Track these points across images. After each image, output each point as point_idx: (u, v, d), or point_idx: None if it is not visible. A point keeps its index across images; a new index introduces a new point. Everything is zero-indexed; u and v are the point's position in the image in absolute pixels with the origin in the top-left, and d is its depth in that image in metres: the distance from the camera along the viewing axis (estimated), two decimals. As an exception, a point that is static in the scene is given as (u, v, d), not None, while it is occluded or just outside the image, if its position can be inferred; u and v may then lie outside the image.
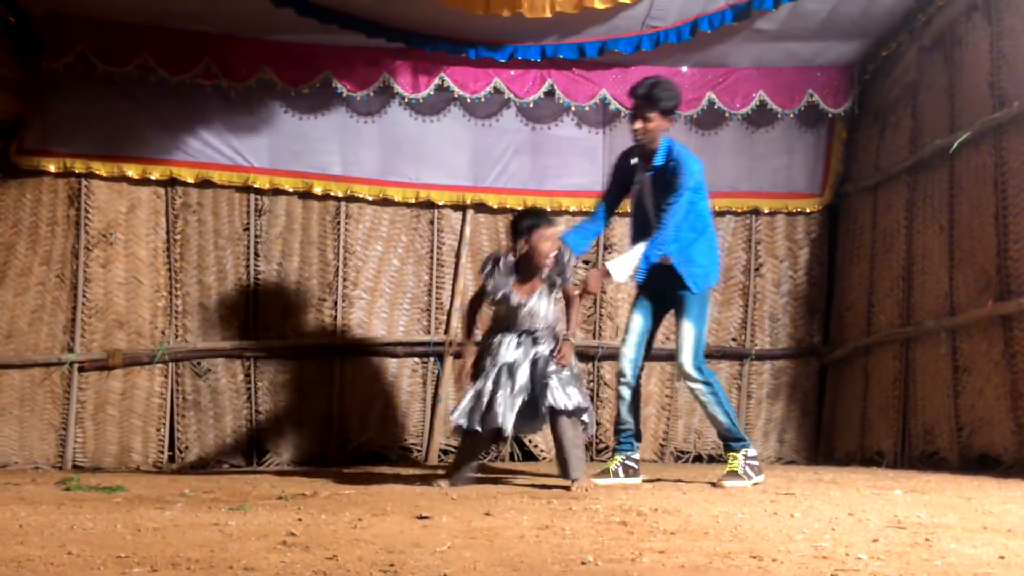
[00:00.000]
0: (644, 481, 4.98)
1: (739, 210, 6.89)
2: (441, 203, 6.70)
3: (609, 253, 6.88)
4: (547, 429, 4.75)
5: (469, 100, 6.56)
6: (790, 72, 6.66)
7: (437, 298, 6.74)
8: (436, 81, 6.47)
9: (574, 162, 6.82)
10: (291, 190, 6.59)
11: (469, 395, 4.58)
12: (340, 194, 6.62)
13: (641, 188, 4.95)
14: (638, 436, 5.08)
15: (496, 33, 6.11)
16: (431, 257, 6.74)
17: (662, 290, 4.93)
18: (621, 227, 6.89)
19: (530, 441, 6.75)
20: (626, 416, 5.00)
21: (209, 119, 6.47)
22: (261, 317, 6.60)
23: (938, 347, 5.73)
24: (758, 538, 2.80)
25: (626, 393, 4.99)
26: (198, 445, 6.50)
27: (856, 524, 3.10)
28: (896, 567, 2.34)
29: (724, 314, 6.94)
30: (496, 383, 4.52)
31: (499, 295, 4.63)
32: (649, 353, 5.14)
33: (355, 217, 6.69)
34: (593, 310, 6.88)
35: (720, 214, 6.80)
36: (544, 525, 3.08)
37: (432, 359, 6.71)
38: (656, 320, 5.08)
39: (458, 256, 6.74)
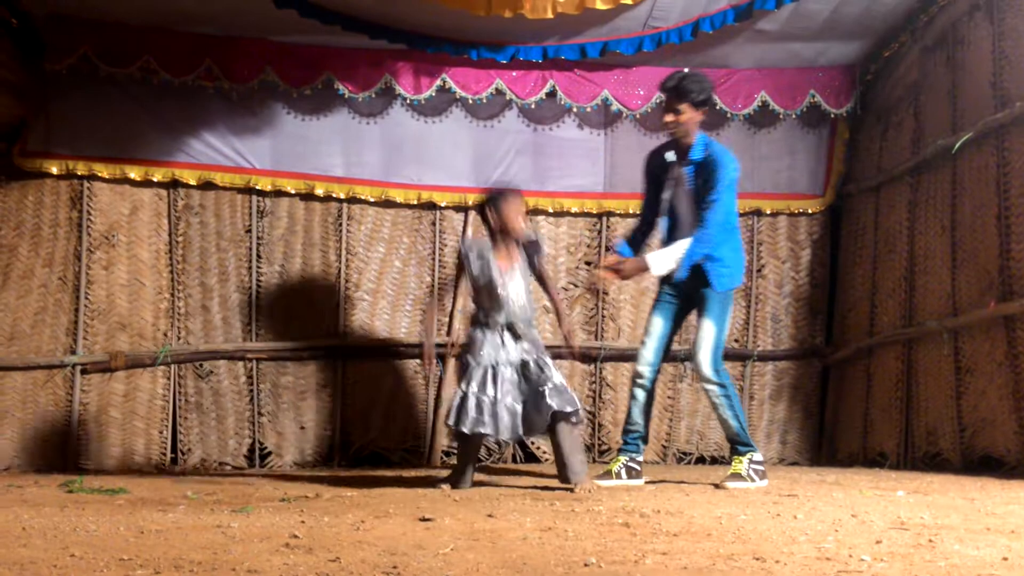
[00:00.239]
0: (647, 483, 4.98)
1: (741, 211, 6.84)
2: (443, 204, 6.70)
3: (611, 254, 6.86)
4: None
5: (471, 101, 6.56)
6: (792, 73, 6.66)
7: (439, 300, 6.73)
8: (438, 82, 6.47)
9: (576, 163, 6.82)
10: (293, 192, 6.59)
11: (457, 397, 4.59)
12: (342, 195, 6.62)
13: (676, 183, 4.91)
14: (645, 439, 5.06)
15: (498, 34, 6.11)
16: (433, 259, 6.74)
17: (685, 290, 4.91)
18: (623, 227, 6.89)
19: (532, 443, 6.75)
20: (637, 418, 4.98)
21: (211, 121, 6.47)
22: (263, 319, 6.61)
23: (941, 348, 5.73)
24: (761, 539, 2.79)
25: (640, 395, 4.97)
26: (200, 447, 6.50)
27: (859, 525, 3.10)
28: (899, 568, 2.34)
29: (726, 315, 6.94)
30: (482, 386, 4.52)
31: (484, 276, 4.63)
32: (667, 356, 5.11)
33: (357, 219, 6.70)
34: (595, 311, 6.88)
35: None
36: (547, 527, 3.08)
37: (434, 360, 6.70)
38: (677, 323, 5.05)
39: (460, 257, 6.75)
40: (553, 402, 4.50)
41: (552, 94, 6.60)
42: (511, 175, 6.73)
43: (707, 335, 4.78)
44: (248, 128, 6.53)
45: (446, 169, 6.68)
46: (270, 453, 6.56)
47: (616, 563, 2.43)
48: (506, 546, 2.70)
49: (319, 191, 6.59)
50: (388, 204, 6.69)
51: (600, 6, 5.59)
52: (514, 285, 4.67)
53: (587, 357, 4.73)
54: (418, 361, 6.70)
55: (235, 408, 6.55)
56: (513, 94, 6.58)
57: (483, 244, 4.74)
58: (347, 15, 5.85)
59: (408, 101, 6.54)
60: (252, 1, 5.59)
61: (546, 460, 6.66)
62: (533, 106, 6.65)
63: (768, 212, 6.95)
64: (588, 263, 6.91)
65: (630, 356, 6.82)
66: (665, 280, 4.98)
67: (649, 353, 4.95)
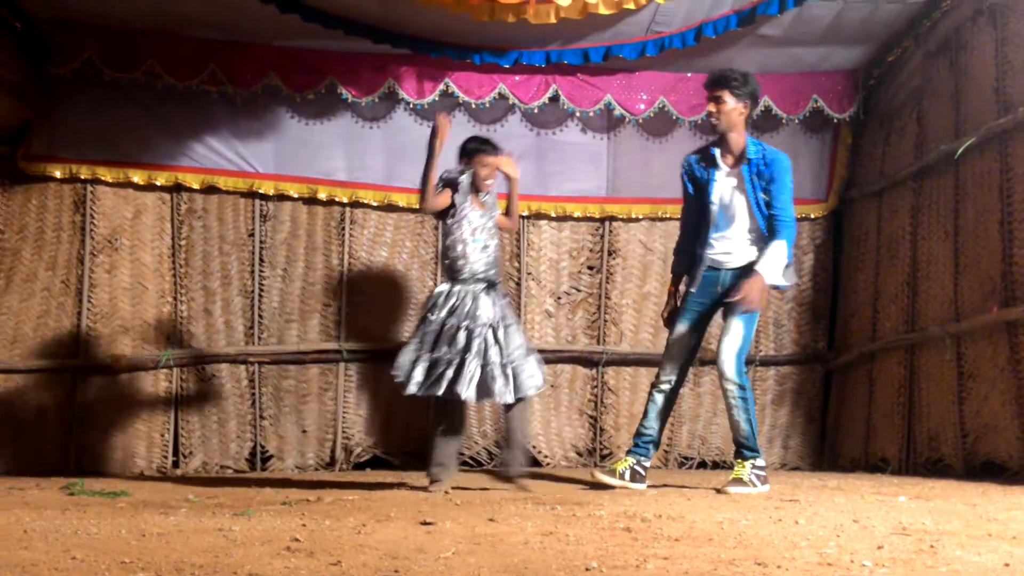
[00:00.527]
0: (648, 487, 4.97)
1: (744, 216, 6.88)
2: (446, 208, 6.71)
3: (614, 258, 6.88)
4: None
5: (474, 106, 6.57)
6: (795, 78, 6.66)
7: (441, 303, 6.73)
8: (441, 87, 6.48)
9: (579, 168, 6.82)
10: (296, 196, 6.61)
11: (417, 362, 4.63)
12: (345, 200, 6.63)
13: (729, 182, 4.79)
14: (657, 444, 5.00)
15: (501, 39, 6.11)
16: (435, 263, 6.74)
17: (713, 293, 4.84)
18: (625, 233, 6.90)
19: (534, 447, 6.74)
20: (652, 422, 4.92)
21: (215, 125, 6.49)
22: (265, 323, 6.61)
23: (943, 353, 5.72)
24: (763, 545, 2.79)
25: (659, 399, 4.92)
26: (202, 450, 6.50)
27: (861, 531, 3.09)
28: (901, 574, 2.34)
29: (729, 320, 6.94)
30: (435, 345, 4.62)
31: (461, 207, 4.81)
32: (692, 363, 5.08)
33: (360, 223, 6.70)
34: (597, 316, 6.88)
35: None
36: (548, 531, 3.08)
37: (436, 364, 6.70)
38: (703, 329, 4.98)
39: (462, 262, 6.75)
40: (525, 382, 4.67)
41: (555, 99, 6.61)
42: (514, 179, 6.75)
43: (736, 335, 4.70)
44: (251, 132, 6.54)
45: (449, 173, 6.68)
46: (271, 456, 6.56)
47: (617, 568, 2.42)
48: (507, 550, 2.70)
49: (322, 195, 6.60)
50: (391, 208, 6.69)
51: (603, 11, 5.59)
52: (488, 228, 4.85)
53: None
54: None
55: (237, 411, 6.56)
56: (516, 99, 6.59)
57: (464, 184, 4.89)
58: (350, 20, 5.87)
59: (411, 105, 6.55)
60: (256, 6, 5.60)
61: (547, 463, 6.66)
62: (536, 110, 6.65)
63: (771, 217, 6.94)
64: (591, 267, 6.91)
65: (632, 360, 6.85)
66: (696, 284, 4.87)
67: (674, 358, 4.90)
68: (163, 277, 6.53)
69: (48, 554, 2.60)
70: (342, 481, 5.42)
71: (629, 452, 4.98)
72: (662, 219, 6.88)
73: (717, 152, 4.84)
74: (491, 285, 4.84)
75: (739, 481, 4.68)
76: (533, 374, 4.79)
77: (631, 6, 5.61)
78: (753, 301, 4.66)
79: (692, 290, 4.90)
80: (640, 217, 6.87)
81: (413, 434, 6.68)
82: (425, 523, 3.28)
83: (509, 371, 4.71)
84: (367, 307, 6.71)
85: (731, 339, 4.70)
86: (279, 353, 6.59)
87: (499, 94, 6.55)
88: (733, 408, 4.74)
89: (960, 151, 5.60)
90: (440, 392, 4.59)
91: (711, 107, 4.78)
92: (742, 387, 4.72)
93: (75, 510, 3.79)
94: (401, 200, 6.62)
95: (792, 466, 6.88)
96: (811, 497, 4.29)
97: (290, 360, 6.61)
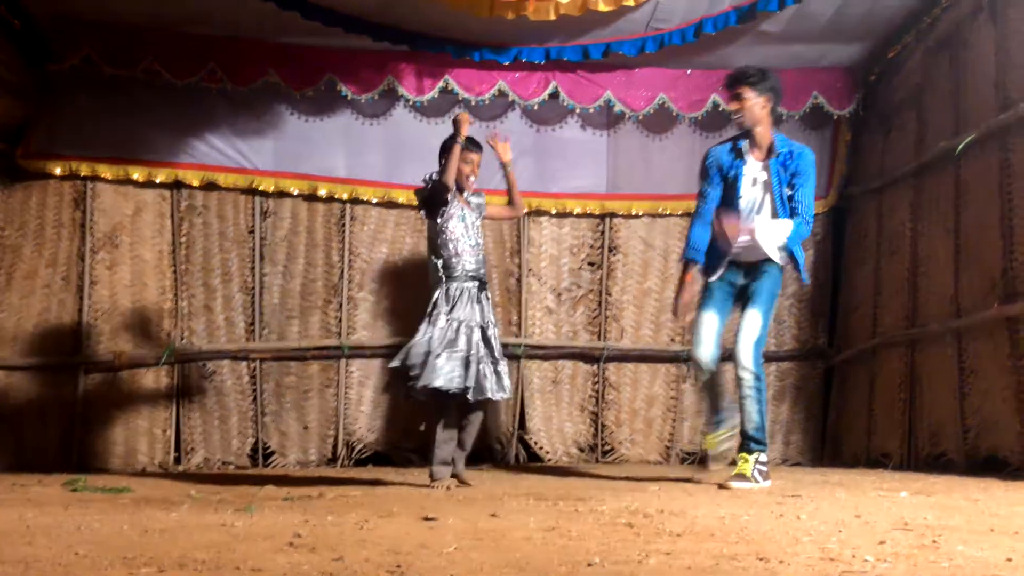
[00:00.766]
0: (650, 483, 4.97)
1: (744, 212, 6.87)
2: (446, 205, 6.71)
3: (614, 255, 6.88)
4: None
5: (474, 102, 6.56)
6: (795, 74, 6.65)
7: (442, 300, 6.73)
8: (440, 84, 6.47)
9: (579, 164, 6.82)
10: (296, 192, 6.61)
11: (430, 357, 4.63)
12: (345, 196, 6.63)
13: (749, 174, 4.79)
14: (735, 425, 4.95)
15: (500, 36, 6.11)
16: (435, 259, 6.74)
17: (736, 283, 4.84)
18: (626, 229, 6.90)
19: (535, 443, 6.75)
20: (719, 404, 4.94)
21: (214, 122, 6.48)
22: (266, 319, 6.62)
23: (944, 349, 5.72)
24: (764, 540, 2.79)
25: (709, 389, 4.98)
26: (204, 446, 6.51)
27: (863, 526, 3.10)
28: (903, 569, 2.34)
29: (730, 316, 6.92)
30: (447, 342, 4.64)
31: (453, 204, 4.83)
32: (722, 349, 5.02)
33: (360, 219, 6.70)
34: (598, 312, 6.88)
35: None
36: (550, 527, 3.08)
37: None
38: (725, 317, 4.95)
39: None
40: (498, 386, 4.72)
41: (555, 95, 6.60)
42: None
43: (754, 325, 4.70)
44: (251, 129, 6.54)
45: (449, 170, 6.68)
46: (273, 453, 6.56)
47: (620, 563, 2.43)
48: (510, 546, 2.70)
49: (322, 192, 6.60)
50: (391, 205, 6.70)
51: (602, 8, 5.59)
52: (476, 226, 4.89)
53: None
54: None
55: (238, 408, 6.56)
56: (516, 95, 6.59)
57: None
58: (350, 17, 5.86)
59: (411, 102, 6.55)
60: (256, 3, 5.59)
61: (548, 460, 6.67)
62: (536, 107, 6.65)
63: (771, 213, 6.94)
64: (591, 264, 6.91)
65: (633, 356, 6.86)
66: (718, 275, 4.86)
67: (707, 350, 4.84)
68: (163, 274, 6.53)
69: (51, 550, 2.60)
70: (344, 477, 5.42)
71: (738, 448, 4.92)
72: (662, 215, 6.88)
73: (745, 144, 4.83)
74: (482, 284, 4.86)
75: (742, 476, 4.68)
76: (507, 378, 4.86)
77: (631, 3, 5.61)
78: (729, 225, 4.66)
79: (713, 280, 4.88)
80: (640, 214, 6.87)
81: (415, 430, 6.67)
82: (427, 519, 3.28)
83: (499, 370, 4.78)
84: (368, 303, 6.71)
85: (749, 328, 4.71)
86: (280, 349, 6.59)
87: (499, 91, 6.55)
88: (746, 398, 4.72)
89: (960, 148, 5.60)
90: (462, 388, 4.63)
91: (734, 105, 4.80)
92: (758, 377, 4.72)
93: (78, 506, 3.80)
94: (401, 197, 6.61)
95: (793, 462, 6.88)
96: (813, 493, 4.29)
97: (291, 356, 6.61)
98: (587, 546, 2.70)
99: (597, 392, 6.85)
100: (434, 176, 4.83)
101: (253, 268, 6.61)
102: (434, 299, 4.81)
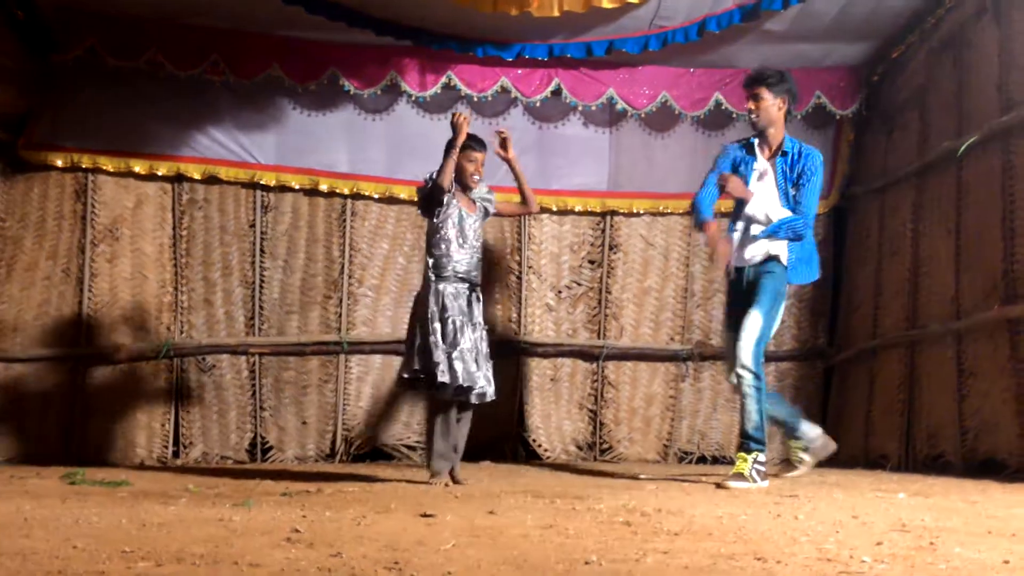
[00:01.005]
0: (647, 482, 4.97)
1: (745, 211, 6.87)
2: (447, 201, 6.70)
3: (615, 253, 6.88)
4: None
5: (476, 98, 6.56)
6: (798, 73, 6.56)
7: (442, 296, 6.73)
8: (443, 79, 6.47)
9: (581, 161, 6.82)
10: (297, 187, 6.60)
11: (442, 358, 4.62)
12: (346, 191, 6.63)
13: (758, 172, 4.90)
14: (788, 428, 5.17)
15: (504, 32, 6.10)
16: (436, 255, 6.73)
17: (741, 290, 4.91)
18: (626, 227, 6.89)
19: (534, 440, 6.75)
20: (775, 414, 5.04)
21: (216, 115, 6.48)
22: (266, 314, 6.62)
23: (944, 351, 5.72)
24: (762, 540, 2.79)
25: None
26: (202, 441, 6.51)
27: (860, 527, 3.10)
28: (900, 570, 2.34)
29: (729, 315, 6.94)
30: (455, 340, 4.62)
31: (450, 206, 4.78)
32: None
33: (361, 215, 6.70)
34: (598, 310, 6.88)
35: (727, 215, 6.78)
36: (548, 524, 3.08)
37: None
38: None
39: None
40: (488, 389, 4.72)
41: (557, 92, 6.60)
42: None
43: (755, 325, 4.75)
44: (253, 123, 6.53)
45: (451, 166, 6.67)
46: (271, 448, 6.57)
47: (617, 561, 2.43)
48: (507, 543, 2.71)
49: (323, 187, 6.60)
50: (392, 200, 6.69)
51: (606, 5, 5.58)
52: (474, 228, 4.83)
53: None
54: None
55: (237, 402, 6.56)
56: (518, 92, 6.58)
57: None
58: (353, 11, 5.86)
59: (413, 98, 6.54)
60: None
61: (548, 458, 6.67)
62: (538, 104, 6.65)
63: (772, 213, 6.94)
64: (592, 261, 6.91)
65: (633, 355, 6.86)
66: (733, 282, 4.99)
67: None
68: (164, 267, 6.53)
69: (49, 543, 2.60)
70: (342, 473, 5.42)
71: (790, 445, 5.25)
72: (663, 214, 6.88)
73: (756, 142, 4.95)
74: (473, 286, 4.82)
75: (740, 476, 4.69)
76: (492, 384, 4.84)
77: (634, 0, 5.60)
78: (730, 180, 4.80)
79: (731, 288, 5.01)
80: (641, 212, 6.87)
81: (414, 426, 6.68)
82: (425, 515, 3.29)
83: (488, 372, 4.77)
84: (368, 299, 6.71)
85: (750, 328, 4.76)
86: (280, 344, 6.59)
87: (501, 87, 6.54)
88: (746, 397, 4.76)
89: (963, 149, 5.60)
90: (479, 388, 4.66)
91: (750, 105, 4.89)
92: (757, 376, 4.75)
93: (76, 499, 3.80)
94: (403, 192, 6.61)
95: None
96: (811, 493, 4.29)
97: (291, 351, 6.61)
98: (584, 544, 2.70)
99: (596, 390, 6.85)
100: (433, 175, 4.81)
101: (253, 262, 6.61)
102: (420, 298, 4.81)
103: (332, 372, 6.64)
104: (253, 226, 6.61)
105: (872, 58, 6.65)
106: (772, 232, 4.79)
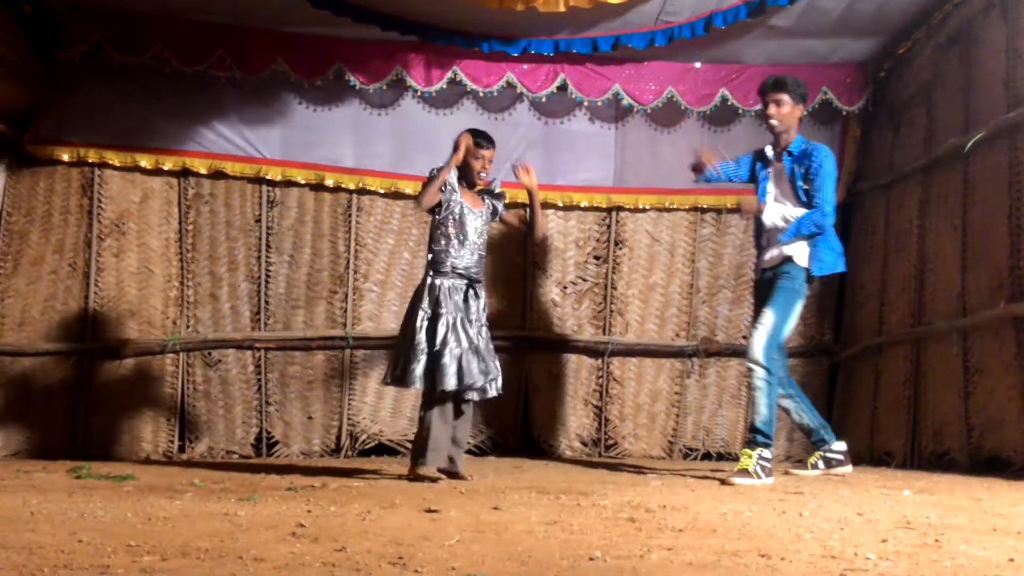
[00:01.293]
0: (652, 478, 4.98)
1: (751, 207, 6.85)
2: (453, 197, 6.70)
3: (620, 249, 6.87)
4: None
5: (482, 94, 6.56)
6: (804, 69, 6.60)
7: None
8: (449, 75, 6.47)
9: (587, 157, 6.81)
10: (303, 182, 6.61)
11: (417, 355, 4.61)
12: (352, 186, 6.63)
13: (772, 176, 5.06)
14: (814, 432, 5.26)
15: (509, 27, 6.10)
16: (442, 251, 6.73)
17: (762, 293, 5.07)
18: (632, 223, 6.89)
19: (539, 436, 6.75)
20: (802, 421, 5.25)
21: (222, 110, 6.49)
22: (272, 308, 6.62)
23: (949, 348, 5.71)
24: (767, 536, 2.79)
25: (787, 404, 5.19)
26: (208, 435, 6.52)
27: (865, 524, 3.10)
28: (905, 567, 2.34)
29: (735, 312, 6.94)
30: (445, 340, 4.59)
31: (453, 202, 4.75)
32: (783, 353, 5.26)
33: (366, 210, 6.70)
34: (603, 306, 6.88)
35: (732, 211, 6.79)
36: (552, 520, 3.09)
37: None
38: None
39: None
40: (495, 385, 4.72)
41: (563, 88, 6.59)
42: (521, 168, 6.74)
43: (767, 321, 4.88)
44: (259, 118, 6.54)
45: (456, 161, 6.67)
46: (277, 442, 6.58)
47: (621, 557, 2.43)
48: (511, 539, 2.71)
49: (329, 182, 6.60)
50: (398, 195, 6.69)
51: (612, 0, 5.57)
52: (475, 226, 4.80)
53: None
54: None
55: (243, 397, 6.57)
56: (524, 87, 6.58)
57: (450, 179, 4.80)
58: (359, 7, 5.85)
59: (419, 93, 6.54)
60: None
61: (553, 454, 6.67)
62: (544, 99, 6.64)
63: (778, 209, 6.93)
64: (597, 257, 6.90)
65: (638, 351, 6.85)
66: (756, 284, 5.21)
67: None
68: (170, 262, 6.54)
69: (54, 536, 2.61)
70: (347, 468, 5.43)
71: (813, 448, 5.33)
72: (669, 210, 6.87)
73: (768, 147, 5.12)
74: (472, 283, 4.78)
75: (744, 472, 4.69)
76: (498, 378, 4.81)
77: (640, -5, 5.59)
78: (746, 199, 5.10)
79: (758, 288, 5.16)
80: (647, 207, 6.86)
81: (418, 421, 6.67)
82: (430, 511, 3.29)
83: (489, 369, 4.73)
84: (373, 294, 6.71)
85: (762, 324, 4.89)
86: (285, 339, 6.60)
87: (507, 83, 6.54)
88: (756, 390, 4.85)
89: (969, 145, 5.58)
90: (471, 386, 4.63)
91: (772, 109, 5.00)
92: (768, 370, 4.83)
93: (81, 493, 3.81)
94: (408, 187, 6.61)
95: (797, 458, 6.86)
96: (815, 490, 4.29)
97: (296, 346, 6.62)
98: (589, 540, 2.70)
99: (601, 386, 6.85)
100: (434, 172, 4.79)
101: (259, 257, 6.61)
102: (417, 292, 4.80)
103: (337, 367, 6.65)
104: (259, 221, 6.62)
105: (879, 54, 6.63)
106: (795, 231, 4.90)
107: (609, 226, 6.88)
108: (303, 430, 6.62)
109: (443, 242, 4.77)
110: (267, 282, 6.62)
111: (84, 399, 6.35)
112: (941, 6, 6.04)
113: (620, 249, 6.88)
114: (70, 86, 6.31)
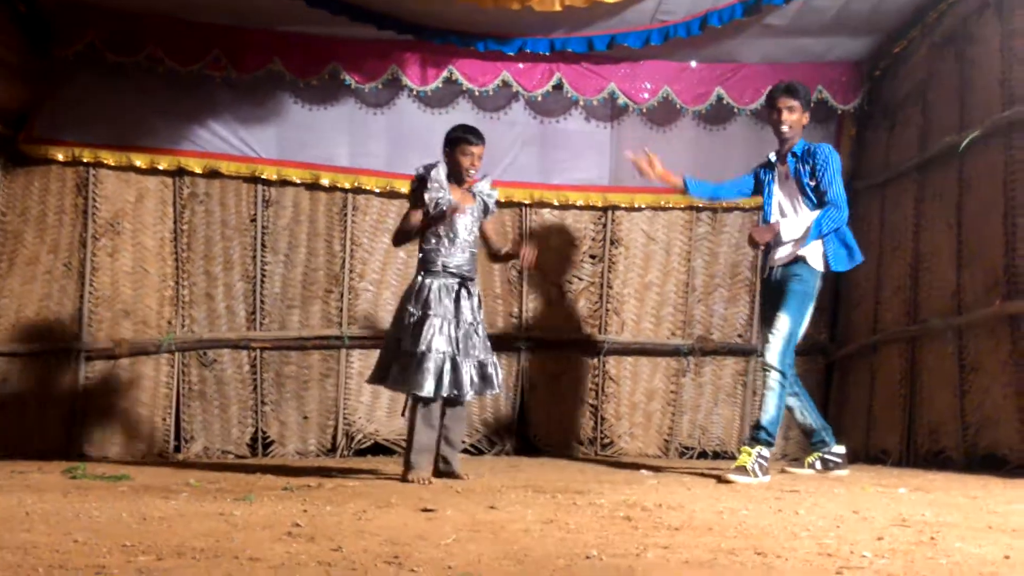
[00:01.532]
0: (649, 477, 4.98)
1: (747, 206, 6.86)
2: (448, 196, 6.70)
3: (616, 248, 6.87)
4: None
5: (477, 93, 6.56)
6: (800, 68, 6.62)
7: (443, 291, 6.73)
8: (444, 74, 6.47)
9: (582, 156, 6.81)
10: (298, 181, 6.60)
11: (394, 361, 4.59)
12: (347, 186, 6.62)
13: (777, 179, 5.12)
14: (814, 433, 5.31)
15: (505, 26, 6.09)
16: (438, 250, 6.73)
17: (774, 287, 5.07)
18: (628, 222, 6.89)
19: (535, 435, 6.76)
20: (805, 421, 5.30)
21: (218, 109, 6.48)
22: (267, 308, 6.62)
23: (945, 346, 5.71)
24: (763, 535, 2.80)
25: (792, 401, 5.22)
26: (203, 435, 6.52)
27: (861, 522, 3.10)
28: (901, 565, 2.34)
29: (730, 310, 6.94)
30: (428, 346, 4.50)
31: (438, 201, 4.67)
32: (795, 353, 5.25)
33: (362, 209, 6.70)
34: (599, 305, 6.88)
35: (728, 210, 6.80)
36: (548, 519, 3.09)
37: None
38: None
39: (465, 249, 6.74)
40: (495, 381, 4.71)
41: (559, 87, 6.59)
42: (517, 167, 6.74)
43: (782, 326, 4.92)
44: (254, 117, 6.53)
45: (452, 161, 6.67)
46: (273, 442, 6.57)
47: (617, 556, 2.43)
48: (508, 538, 2.71)
49: (324, 181, 6.60)
50: (393, 195, 6.69)
51: (608, 0, 5.57)
52: (466, 224, 4.77)
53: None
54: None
55: (238, 397, 6.56)
56: (520, 86, 6.58)
57: (439, 176, 4.75)
58: (355, 6, 5.85)
59: (415, 92, 6.54)
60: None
61: (549, 453, 6.67)
62: (540, 98, 6.64)
63: (774, 208, 6.93)
64: (592, 256, 6.90)
65: (634, 350, 6.86)
66: (764, 281, 5.20)
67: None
68: (165, 261, 6.53)
69: (50, 537, 2.61)
70: (343, 467, 5.43)
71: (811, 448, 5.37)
72: (665, 208, 6.87)
73: (773, 154, 5.17)
74: (464, 281, 4.73)
75: (742, 469, 4.70)
76: (496, 376, 4.77)
77: (636, -6, 5.59)
78: (755, 232, 5.09)
79: (767, 289, 5.16)
80: (643, 206, 6.86)
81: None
82: (426, 510, 3.29)
83: (487, 369, 4.70)
84: (369, 294, 6.71)
85: (777, 328, 4.93)
86: (281, 339, 6.59)
87: (503, 82, 6.54)
88: (768, 389, 4.92)
89: (964, 143, 5.59)
90: (447, 393, 4.56)
91: (784, 115, 5.05)
92: (783, 373, 4.90)
93: (77, 493, 3.80)
94: (403, 187, 6.56)
95: (792, 457, 6.86)
96: (811, 488, 4.29)
97: (292, 346, 6.61)
98: (585, 539, 2.70)
99: (597, 385, 6.85)
100: (420, 170, 4.76)
101: (255, 257, 6.61)
102: (407, 292, 4.77)
103: (333, 367, 6.64)
104: (254, 220, 6.61)
105: (874, 53, 6.64)
106: (817, 233, 4.93)
107: (605, 225, 6.88)
108: (299, 430, 6.61)
109: (433, 241, 4.75)
110: (263, 281, 6.61)
111: (79, 399, 6.34)
112: (936, 5, 6.04)
113: (616, 248, 6.88)
114: (65, 85, 6.30)
